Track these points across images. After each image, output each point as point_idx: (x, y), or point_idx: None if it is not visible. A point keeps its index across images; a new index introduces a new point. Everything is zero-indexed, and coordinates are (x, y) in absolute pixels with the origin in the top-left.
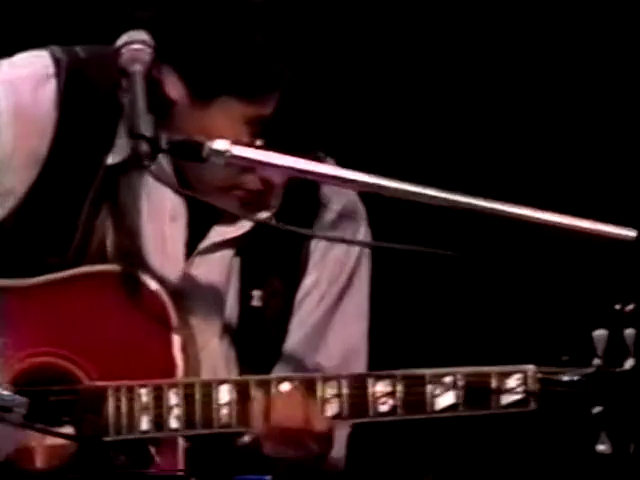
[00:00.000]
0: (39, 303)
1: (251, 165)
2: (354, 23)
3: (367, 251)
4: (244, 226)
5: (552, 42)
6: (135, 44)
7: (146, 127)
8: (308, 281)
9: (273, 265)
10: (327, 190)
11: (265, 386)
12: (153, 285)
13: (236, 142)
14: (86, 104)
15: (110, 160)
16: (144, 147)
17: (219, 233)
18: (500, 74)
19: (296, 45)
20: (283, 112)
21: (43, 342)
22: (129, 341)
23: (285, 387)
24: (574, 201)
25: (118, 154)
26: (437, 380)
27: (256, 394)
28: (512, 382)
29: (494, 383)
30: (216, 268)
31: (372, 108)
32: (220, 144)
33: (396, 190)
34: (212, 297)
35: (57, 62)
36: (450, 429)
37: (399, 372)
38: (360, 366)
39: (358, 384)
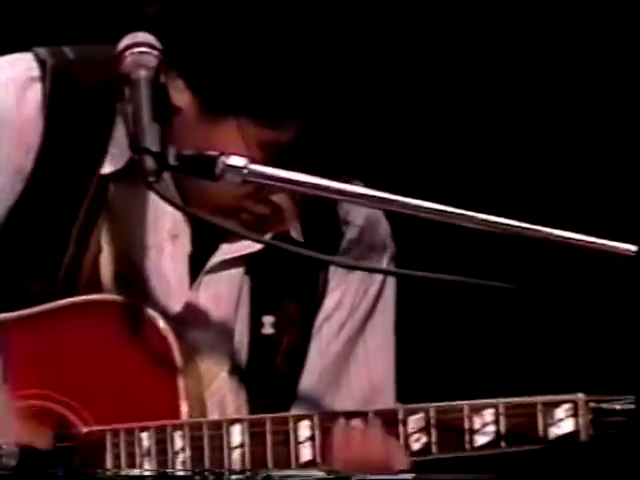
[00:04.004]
0: (28, 338)
1: (270, 184)
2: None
3: (393, 267)
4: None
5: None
6: (140, 47)
7: (152, 140)
8: (328, 304)
9: (287, 286)
10: (346, 205)
11: (282, 425)
12: (160, 323)
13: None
14: (76, 110)
15: (104, 170)
16: (149, 163)
17: (228, 250)
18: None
19: (322, 66)
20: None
21: (33, 384)
22: (129, 383)
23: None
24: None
25: (113, 163)
26: (476, 412)
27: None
28: (561, 413)
29: (540, 414)
30: (225, 288)
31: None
32: (236, 160)
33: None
34: (220, 324)
35: (42, 64)
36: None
37: (433, 405)
38: (386, 404)
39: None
